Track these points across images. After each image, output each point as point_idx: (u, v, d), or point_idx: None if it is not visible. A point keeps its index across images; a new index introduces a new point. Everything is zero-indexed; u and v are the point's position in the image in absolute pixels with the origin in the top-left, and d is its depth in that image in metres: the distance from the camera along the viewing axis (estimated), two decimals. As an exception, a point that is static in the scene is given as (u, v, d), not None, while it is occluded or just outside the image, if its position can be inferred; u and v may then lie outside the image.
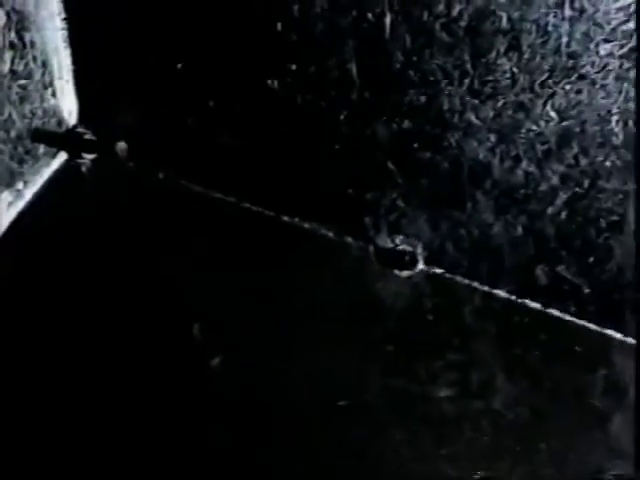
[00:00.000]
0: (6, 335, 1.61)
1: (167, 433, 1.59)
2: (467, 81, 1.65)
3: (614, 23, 1.61)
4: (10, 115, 1.61)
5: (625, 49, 1.63)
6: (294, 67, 1.66)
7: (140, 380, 1.60)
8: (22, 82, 1.62)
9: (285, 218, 1.77)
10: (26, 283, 1.64)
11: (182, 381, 1.60)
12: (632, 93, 1.70)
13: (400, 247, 1.75)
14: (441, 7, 1.61)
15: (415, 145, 1.68)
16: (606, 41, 1.62)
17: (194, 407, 1.58)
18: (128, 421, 1.59)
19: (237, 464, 1.58)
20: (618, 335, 1.76)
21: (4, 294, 1.63)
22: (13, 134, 1.62)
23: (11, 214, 1.65)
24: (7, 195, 1.63)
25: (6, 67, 1.58)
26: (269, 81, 1.69)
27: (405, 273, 1.75)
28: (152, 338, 1.63)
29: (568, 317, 1.75)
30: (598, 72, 1.61)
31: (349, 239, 1.76)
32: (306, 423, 1.60)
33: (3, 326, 1.62)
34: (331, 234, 1.77)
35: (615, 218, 1.71)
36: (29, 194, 1.68)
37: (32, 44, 1.61)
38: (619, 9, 1.60)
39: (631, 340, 1.77)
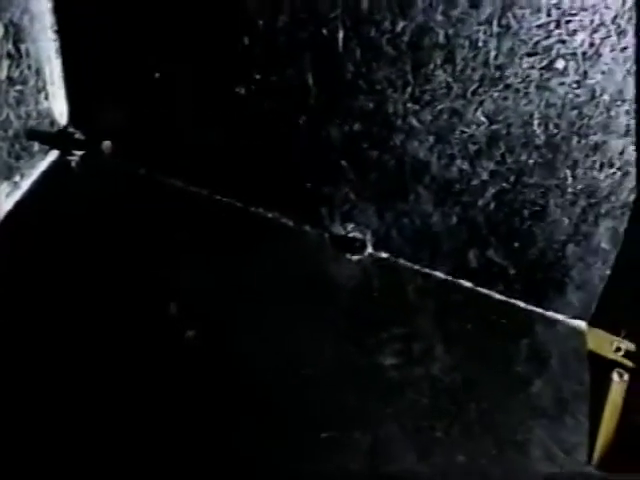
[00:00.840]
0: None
1: (144, 393, 1.56)
2: (409, 89, 1.66)
3: (535, 39, 1.60)
4: (8, 116, 1.59)
5: (545, 62, 1.62)
6: (258, 76, 1.66)
7: (123, 348, 1.59)
8: (18, 87, 1.60)
9: (252, 209, 1.77)
10: (22, 264, 1.62)
11: (160, 350, 1.59)
12: (551, 100, 1.68)
13: (351, 234, 1.75)
14: (387, 24, 1.62)
15: (364, 145, 1.70)
16: (528, 55, 1.61)
17: (169, 372, 1.57)
18: (107, 381, 1.55)
19: (206, 424, 1.56)
20: (539, 310, 1.79)
21: (3, 274, 1.59)
22: (11, 133, 1.60)
23: (9, 203, 1.63)
24: (5, 186, 1.61)
25: (4, 74, 1.57)
26: (237, 88, 1.68)
27: (356, 257, 1.76)
28: (135, 314, 1.62)
29: (496, 295, 1.77)
30: (521, 82, 1.63)
31: (307, 227, 1.77)
32: (270, 387, 1.60)
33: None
34: (291, 223, 1.77)
35: (537, 209, 1.74)
36: (25, 186, 1.66)
37: (27, 53, 1.60)
38: (540, 26, 1.62)
39: (551, 314, 1.79)
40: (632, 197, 1.71)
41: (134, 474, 1.51)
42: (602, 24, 1.61)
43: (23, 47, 1.59)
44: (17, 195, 1.65)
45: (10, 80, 1.58)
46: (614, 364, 1.78)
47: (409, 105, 1.67)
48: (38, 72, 1.63)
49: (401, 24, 1.61)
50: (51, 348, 1.56)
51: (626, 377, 1.76)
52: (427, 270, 1.77)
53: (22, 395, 1.51)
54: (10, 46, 1.57)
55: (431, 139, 1.68)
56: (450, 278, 1.77)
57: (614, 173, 1.70)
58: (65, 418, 1.50)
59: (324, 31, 1.62)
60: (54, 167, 1.71)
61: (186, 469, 1.54)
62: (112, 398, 1.54)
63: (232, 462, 1.58)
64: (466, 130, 1.68)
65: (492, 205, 1.71)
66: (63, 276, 1.62)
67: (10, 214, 1.63)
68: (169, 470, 1.53)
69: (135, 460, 1.53)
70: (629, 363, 1.77)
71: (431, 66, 1.64)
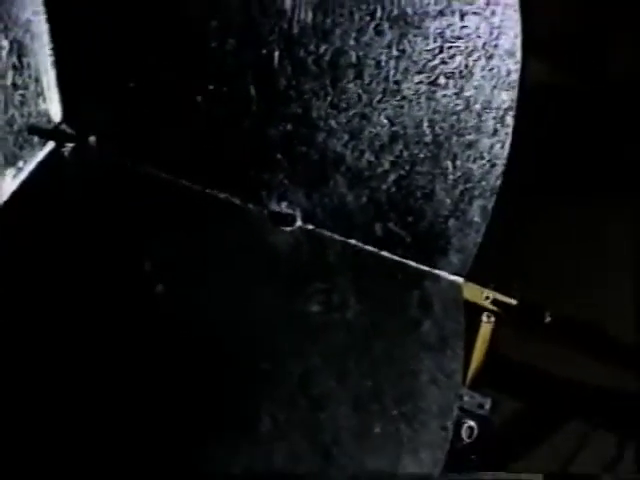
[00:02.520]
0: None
1: (117, 336, 1.54)
2: (329, 98, 1.65)
3: (424, 61, 1.62)
4: (13, 115, 1.57)
5: (431, 79, 1.63)
6: (212, 87, 1.66)
7: (103, 297, 1.57)
8: (21, 92, 1.58)
9: (208, 190, 1.75)
10: (25, 232, 1.59)
11: (135, 299, 1.60)
12: (437, 108, 1.64)
13: (285, 211, 1.75)
14: (312, 47, 1.61)
15: (295, 142, 1.70)
16: (419, 73, 1.62)
17: (141, 317, 1.57)
18: (82, 324, 1.52)
19: (166, 355, 1.54)
20: (428, 268, 1.80)
21: (10, 244, 1.56)
22: (15, 128, 1.58)
23: (15, 184, 1.61)
24: (11, 170, 1.59)
25: (9, 81, 1.55)
26: (197, 97, 1.68)
27: (288, 229, 1.75)
28: (115, 271, 1.61)
29: (396, 257, 1.78)
30: (414, 94, 1.65)
31: (251, 205, 1.75)
32: (220, 329, 1.62)
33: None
34: (238, 202, 1.75)
35: (426, 191, 1.72)
36: (27, 170, 1.63)
37: (28, 65, 1.57)
38: (427, 51, 1.61)
39: (437, 271, 1.80)
40: (498, 182, 1.73)
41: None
42: (474, 50, 1.62)
43: (25, 60, 1.57)
44: (21, 177, 1.62)
45: (15, 86, 1.56)
46: (483, 309, 1.84)
47: (329, 111, 1.66)
48: (37, 80, 1.60)
49: (323, 47, 1.61)
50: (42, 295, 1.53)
51: (492, 319, 1.83)
52: (343, 239, 1.76)
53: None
54: (15, 59, 1.55)
55: (346, 137, 1.69)
56: (361, 244, 1.76)
57: (484, 164, 1.70)
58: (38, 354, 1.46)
59: (263, 52, 1.62)
60: (50, 156, 1.66)
61: (141, 396, 1.50)
62: (88, 333, 1.51)
63: (184, 387, 1.53)
64: (372, 130, 1.67)
65: (392, 188, 1.72)
66: (57, 241, 1.60)
67: (15, 193, 1.60)
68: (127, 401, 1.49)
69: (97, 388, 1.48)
70: (495, 308, 1.84)
71: (345, 80, 1.63)
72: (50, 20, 1.58)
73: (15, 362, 1.46)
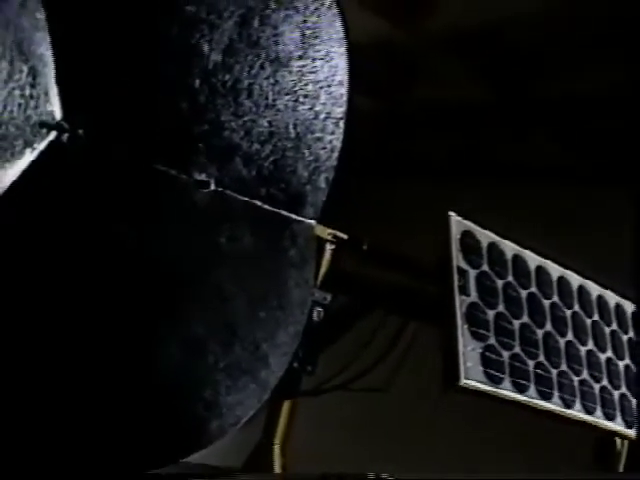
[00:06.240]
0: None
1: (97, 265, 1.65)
2: (231, 109, 1.85)
3: (291, 86, 1.90)
4: (30, 114, 1.66)
5: (294, 98, 1.90)
6: (158, 102, 1.75)
7: (83, 249, 1.65)
8: (35, 100, 1.66)
9: (157, 165, 1.80)
10: (39, 189, 1.65)
11: (105, 246, 1.69)
12: (299, 117, 1.88)
13: (205, 179, 1.86)
14: (220, 76, 1.82)
15: (211, 136, 1.83)
16: (287, 94, 1.90)
17: (111, 261, 1.69)
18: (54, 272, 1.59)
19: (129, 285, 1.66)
20: (294, 216, 2.00)
21: (20, 208, 1.60)
22: (31, 122, 1.66)
23: (32, 157, 1.68)
24: (29, 149, 1.67)
25: (27, 93, 1.64)
26: (149, 108, 1.77)
27: (206, 190, 1.86)
28: (92, 230, 1.68)
29: (275, 209, 1.97)
30: (284, 107, 1.92)
31: (183, 175, 1.83)
32: (163, 254, 1.77)
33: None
34: (175, 172, 1.82)
35: (292, 168, 1.97)
36: (39, 150, 1.69)
37: (40, 83, 1.67)
38: (292, 80, 1.87)
39: (300, 218, 1.97)
40: (335, 162, 2.00)
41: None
42: (320, 80, 1.94)
43: (38, 80, 1.66)
44: (35, 154, 1.69)
45: (31, 96, 1.65)
46: (327, 241, 2.12)
47: (231, 117, 1.85)
48: (46, 93, 1.70)
49: (227, 76, 1.84)
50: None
51: (332, 247, 2.13)
52: (241, 197, 1.91)
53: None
54: (31, 79, 1.65)
55: (242, 133, 1.88)
56: (252, 201, 1.93)
57: (327, 151, 2.00)
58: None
59: (189, 79, 1.79)
60: (54, 141, 1.72)
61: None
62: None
63: (143, 297, 1.67)
64: (259, 129, 1.90)
65: (271, 166, 1.94)
66: (56, 193, 1.67)
67: (32, 162, 1.68)
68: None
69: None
70: (334, 240, 2.15)
71: (241, 98, 1.86)
72: (55, 54, 1.68)
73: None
